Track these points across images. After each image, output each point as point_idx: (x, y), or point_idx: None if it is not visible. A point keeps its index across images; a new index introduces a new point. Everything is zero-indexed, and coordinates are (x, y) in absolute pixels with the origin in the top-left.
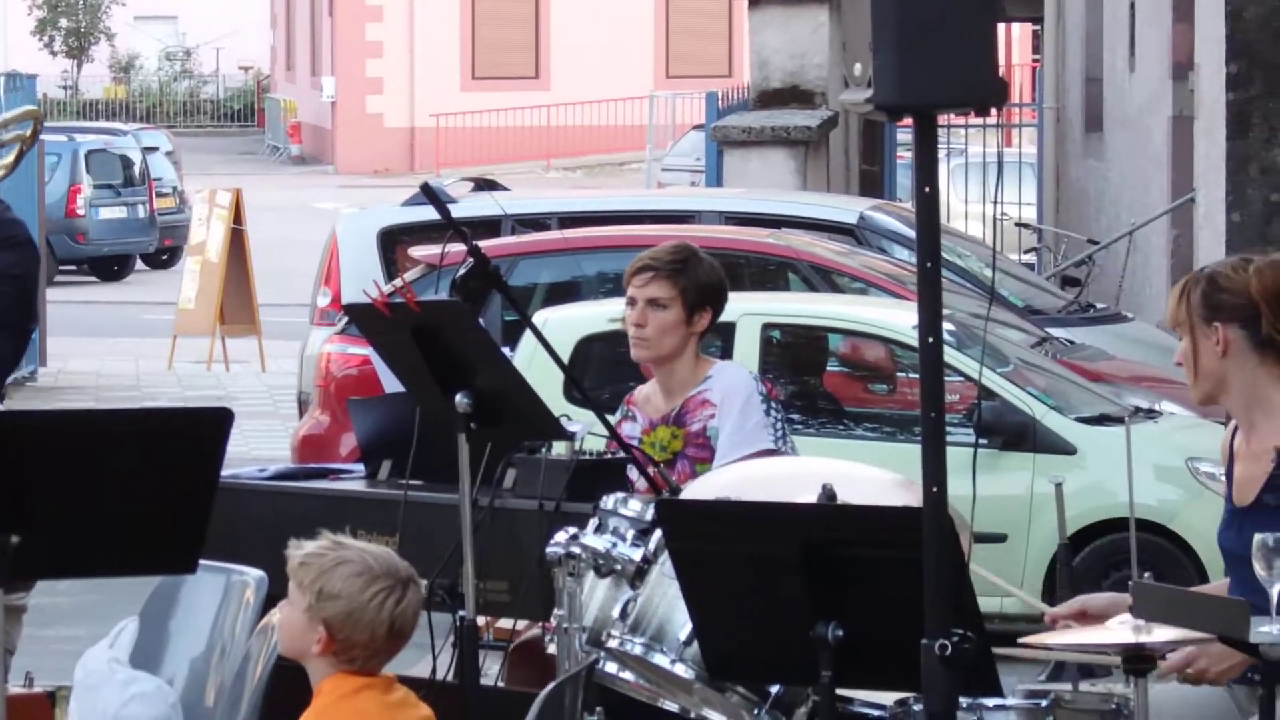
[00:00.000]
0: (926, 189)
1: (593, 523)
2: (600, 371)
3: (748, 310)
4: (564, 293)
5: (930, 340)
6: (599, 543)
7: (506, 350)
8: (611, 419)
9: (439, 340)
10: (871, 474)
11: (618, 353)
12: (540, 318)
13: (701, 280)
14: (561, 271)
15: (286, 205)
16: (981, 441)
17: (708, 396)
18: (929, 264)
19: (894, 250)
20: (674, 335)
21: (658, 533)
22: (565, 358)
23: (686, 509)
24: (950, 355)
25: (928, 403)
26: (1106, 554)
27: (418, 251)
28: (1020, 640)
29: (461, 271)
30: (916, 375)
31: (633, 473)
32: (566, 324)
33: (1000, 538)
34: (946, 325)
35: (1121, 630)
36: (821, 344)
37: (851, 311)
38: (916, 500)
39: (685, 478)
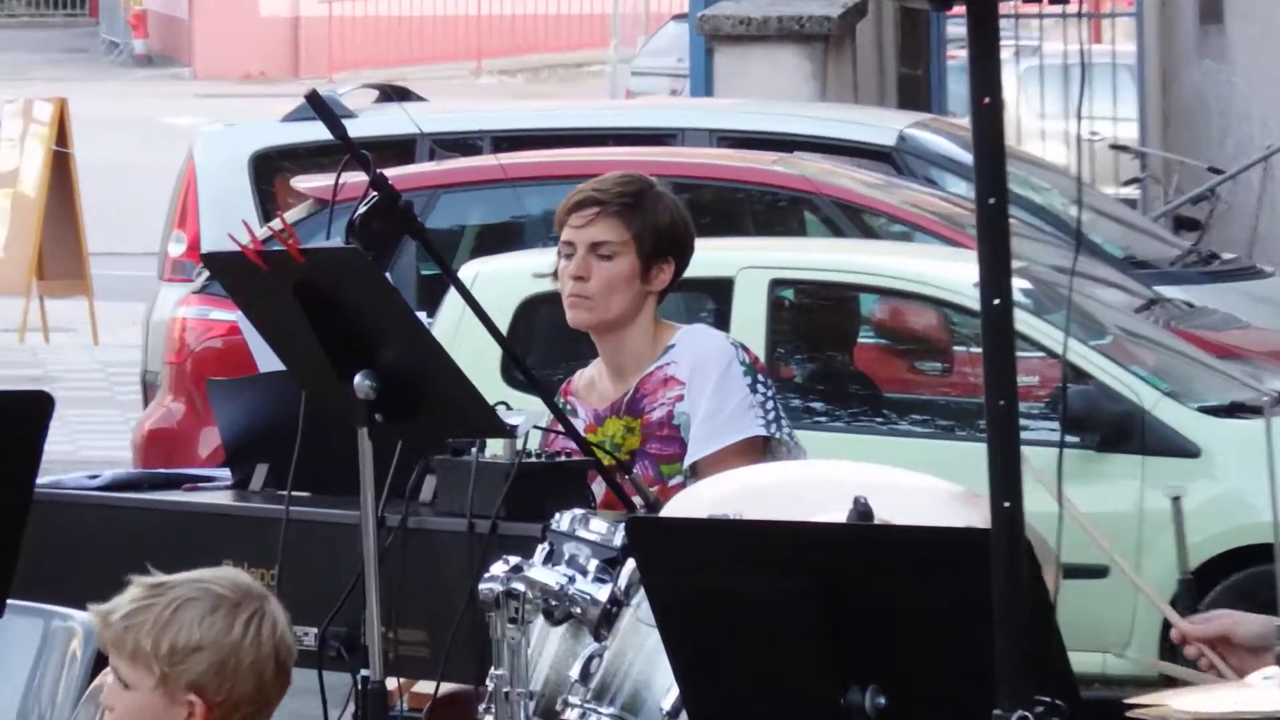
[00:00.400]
0: (987, 99)
1: (542, 549)
2: (550, 344)
3: (750, 262)
4: (500, 238)
5: (996, 303)
6: (551, 577)
7: (423, 315)
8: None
9: (332, 302)
10: (920, 484)
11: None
12: (469, 272)
13: (660, 221)
14: (497, 210)
15: (128, 120)
16: (1070, 440)
17: (671, 372)
18: (992, 200)
19: (945, 181)
20: (624, 293)
21: (630, 563)
22: (503, 325)
23: (669, 530)
24: (1025, 323)
25: (994, 387)
26: (1244, 592)
27: (303, 183)
28: (1128, 701)
29: (362, 210)
30: (979, 350)
31: (597, 482)
32: (504, 280)
33: (1100, 571)
34: (1019, 283)
35: (1272, 692)
36: (850, 308)
37: (890, 263)
38: (982, 520)
39: (649, 482)
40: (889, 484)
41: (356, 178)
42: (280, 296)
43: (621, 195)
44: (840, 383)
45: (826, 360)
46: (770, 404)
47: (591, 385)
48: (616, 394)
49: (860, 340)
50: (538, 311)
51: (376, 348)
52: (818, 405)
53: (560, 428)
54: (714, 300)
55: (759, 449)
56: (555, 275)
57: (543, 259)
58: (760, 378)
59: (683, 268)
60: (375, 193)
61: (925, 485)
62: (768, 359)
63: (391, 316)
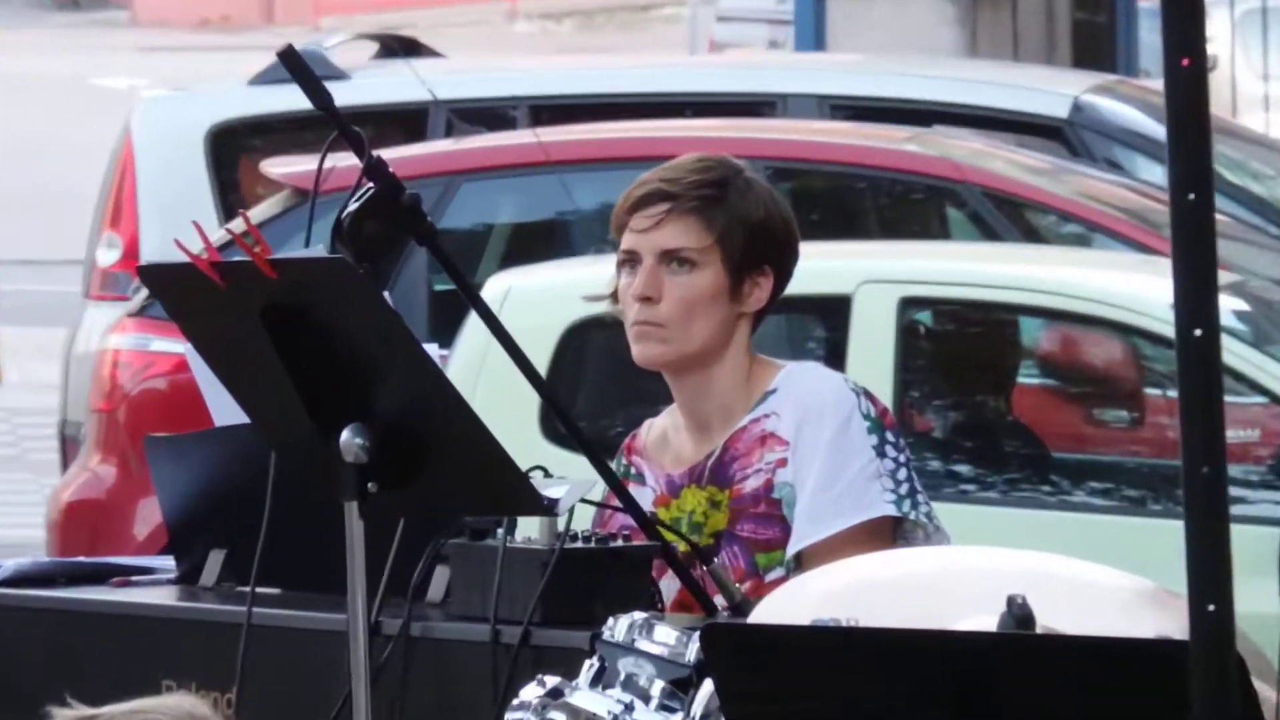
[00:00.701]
0: (1186, 59)
1: (589, 667)
2: (606, 386)
3: (873, 274)
4: (540, 242)
5: (1197, 333)
6: (601, 704)
7: (434, 348)
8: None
9: (311, 331)
10: (1097, 578)
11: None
12: (497, 288)
13: (753, 217)
14: (535, 204)
15: (46, 81)
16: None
17: (770, 427)
18: (1192, 194)
19: (1135, 165)
20: (708, 317)
21: (707, 686)
22: (542, 360)
23: (759, 641)
24: (1239, 357)
25: (1195, 446)
26: None
27: (275, 168)
28: None
29: (353, 205)
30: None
31: (667, 576)
32: (544, 299)
33: None
34: (1231, 303)
35: None
36: (1007, 336)
37: (1060, 276)
38: (1180, 628)
39: (737, 575)
40: (1055, 578)
41: (347, 161)
42: (243, 323)
43: (700, 185)
44: (993, 438)
45: (975, 408)
46: (903, 472)
47: (664, 442)
48: (698, 455)
49: (1021, 380)
50: (589, 341)
51: (371, 393)
52: (962, 469)
53: (616, 501)
54: (824, 326)
55: (887, 533)
56: (614, 295)
57: (596, 271)
58: (890, 436)
59: (784, 281)
60: (371, 182)
61: (1104, 580)
62: (895, 406)
63: (391, 350)
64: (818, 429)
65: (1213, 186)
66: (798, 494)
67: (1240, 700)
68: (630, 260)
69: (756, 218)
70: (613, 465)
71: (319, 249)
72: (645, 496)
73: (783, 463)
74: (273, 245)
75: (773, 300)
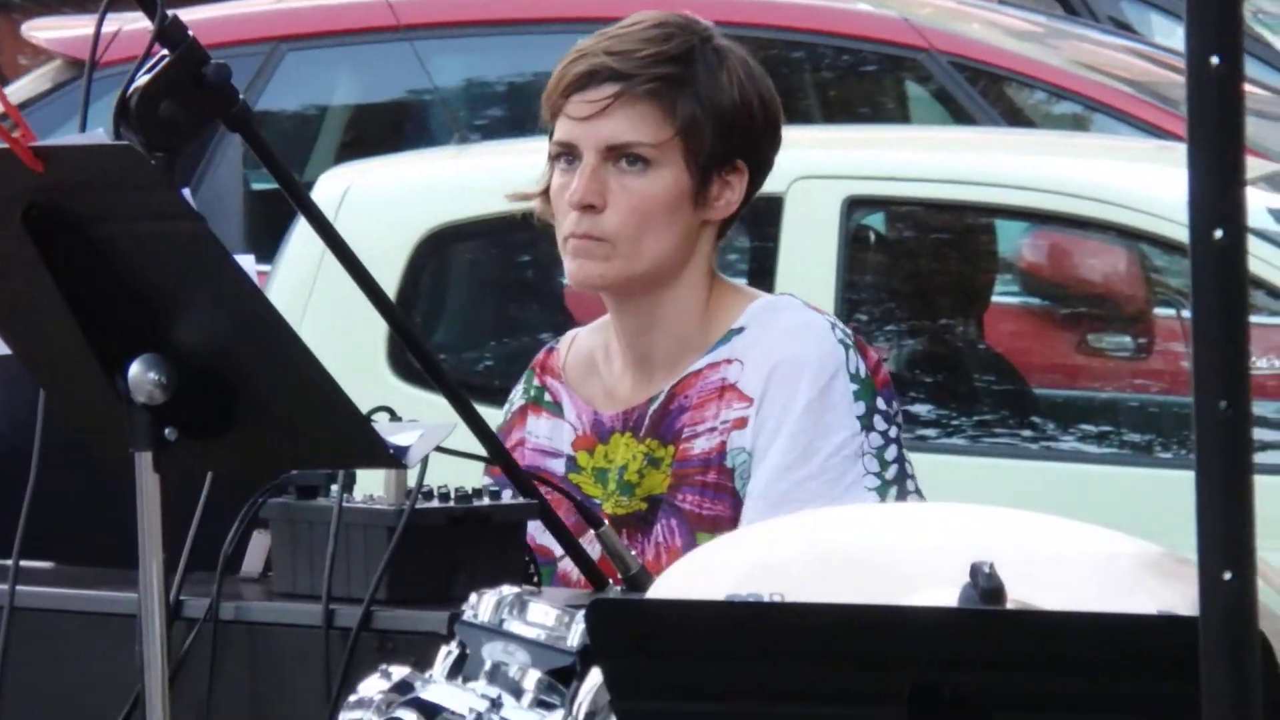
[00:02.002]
0: None
1: (447, 654)
2: (474, 308)
3: (812, 169)
4: (388, 128)
5: (1218, 235)
6: (461, 700)
7: (248, 261)
8: (493, 416)
9: (90, 240)
10: (1087, 541)
11: (519, 269)
12: (334, 186)
13: (725, 99)
14: (382, 79)
15: None
16: None
17: (731, 376)
18: (1216, 58)
19: (1150, 25)
20: (666, 229)
21: (593, 676)
22: (392, 276)
23: (660, 621)
24: (1272, 266)
25: (1212, 379)
26: None
27: (40, 30)
28: None
29: (143, 79)
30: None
31: (544, 539)
32: (394, 200)
33: None
34: (1263, 199)
35: None
36: (980, 245)
37: (1049, 169)
38: (1189, 599)
39: (671, 555)
40: (1032, 541)
41: (134, 22)
42: (2, 229)
43: (659, 60)
44: (962, 371)
45: (938, 334)
46: (892, 450)
47: (591, 367)
48: (636, 397)
49: (997, 300)
50: (451, 253)
51: (168, 318)
52: (923, 409)
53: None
54: (748, 234)
55: None
56: (544, 195)
57: (459, 166)
58: (881, 403)
59: (761, 177)
60: (165, 50)
61: (1094, 544)
62: None
63: (193, 264)
64: (790, 389)
65: (1242, 49)
66: (754, 466)
67: (1263, 690)
68: (566, 154)
69: (728, 101)
70: (519, 387)
71: (99, 134)
72: (563, 433)
73: (741, 423)
74: (40, 130)
75: (746, 203)
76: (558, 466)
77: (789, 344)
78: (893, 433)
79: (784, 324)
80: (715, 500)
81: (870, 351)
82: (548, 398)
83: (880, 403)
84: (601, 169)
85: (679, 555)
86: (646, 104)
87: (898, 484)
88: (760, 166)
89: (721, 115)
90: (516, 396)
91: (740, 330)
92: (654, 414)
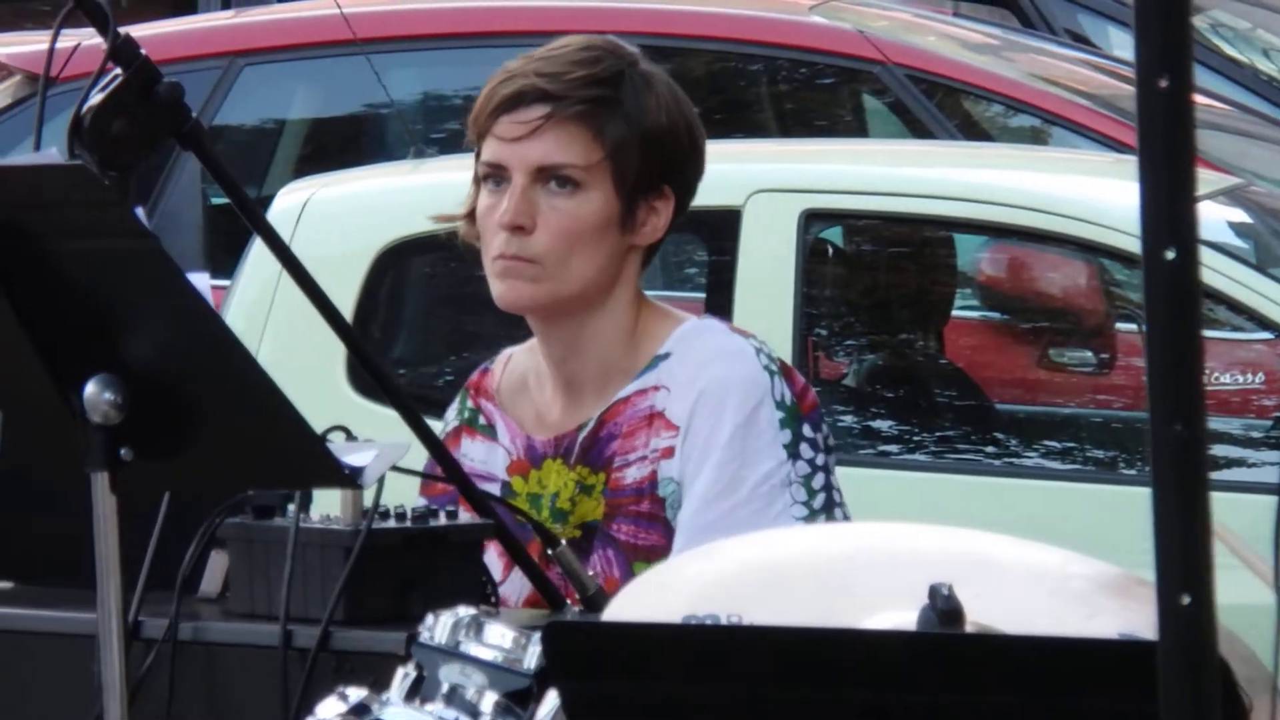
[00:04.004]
0: None
1: (404, 676)
2: (432, 324)
3: (768, 182)
4: (345, 142)
5: (1170, 256)
6: None
7: (202, 279)
8: (441, 427)
9: (45, 258)
10: (1046, 562)
11: (477, 283)
12: (290, 201)
13: (652, 123)
14: (339, 93)
15: None
16: None
17: (660, 404)
18: (1165, 80)
19: (1108, 37)
20: (592, 252)
21: (550, 699)
22: (350, 291)
23: (618, 642)
24: (1236, 283)
25: (1166, 399)
26: None
27: None
28: None
29: (96, 97)
30: None
31: (500, 557)
32: (352, 215)
33: None
34: (1228, 215)
35: None
36: (940, 259)
37: (1007, 183)
38: (1147, 621)
39: (610, 586)
40: (991, 562)
41: (92, 37)
42: None
43: (589, 82)
44: (921, 386)
45: (897, 349)
46: (820, 478)
47: (523, 390)
48: (566, 424)
49: (957, 314)
50: (409, 268)
51: (123, 338)
52: (882, 425)
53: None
54: (706, 247)
55: None
56: (470, 217)
57: (416, 181)
58: (807, 430)
59: (686, 203)
60: (118, 67)
61: (1053, 564)
62: (797, 348)
63: (147, 283)
64: (715, 419)
65: (1191, 70)
66: (684, 496)
67: (1222, 715)
68: (494, 175)
69: (657, 125)
70: (453, 407)
71: (52, 153)
72: (497, 457)
73: (669, 452)
74: None
75: (670, 229)
76: (493, 490)
77: (713, 371)
78: (820, 460)
79: (708, 350)
80: (649, 530)
81: (797, 376)
82: (481, 420)
83: (807, 429)
84: (531, 190)
85: (617, 586)
86: (576, 126)
87: (825, 512)
88: (685, 192)
89: (649, 138)
90: (451, 417)
91: (666, 356)
92: (584, 441)
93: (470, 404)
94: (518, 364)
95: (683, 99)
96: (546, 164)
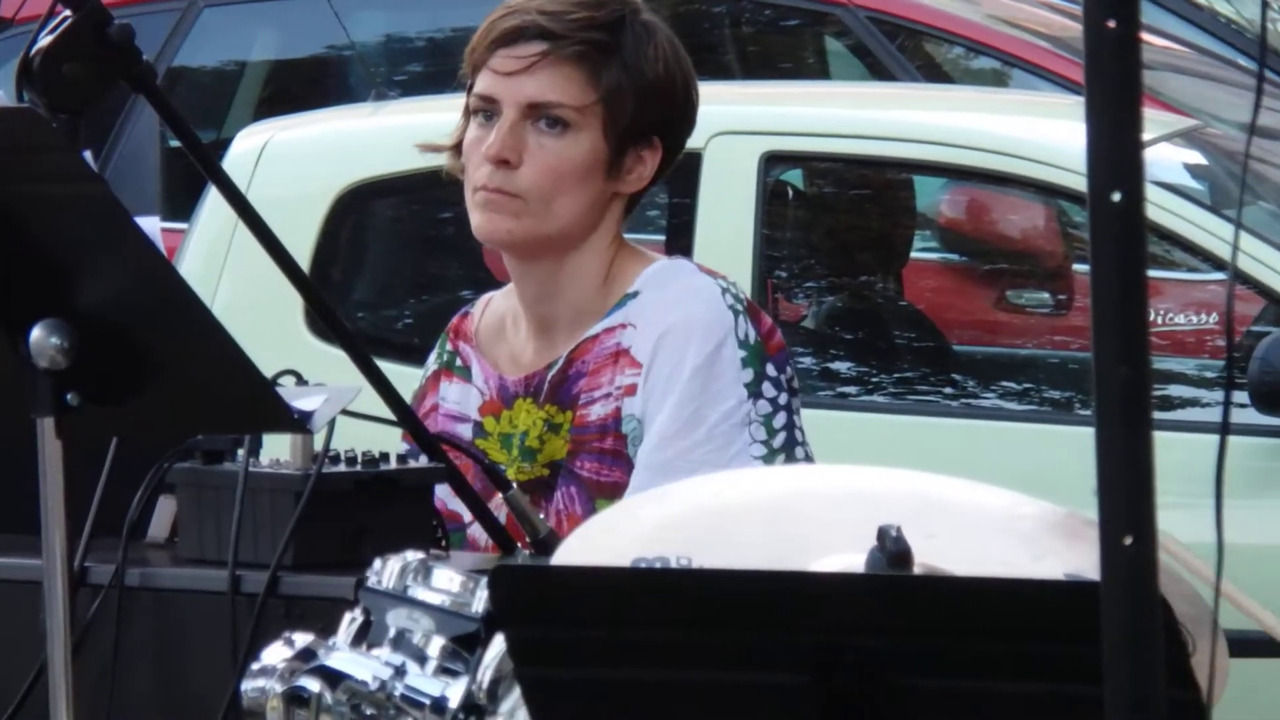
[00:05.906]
0: None
1: (351, 621)
2: (393, 267)
3: (728, 124)
4: (305, 84)
5: (1116, 198)
6: (365, 668)
7: (152, 223)
8: (412, 374)
9: None
10: (993, 503)
11: (437, 225)
12: (249, 144)
13: (648, 73)
14: (299, 35)
15: None
16: (1249, 423)
17: (625, 341)
18: (1113, 20)
19: None
20: (577, 193)
21: (497, 643)
22: (309, 234)
23: (565, 587)
24: (1190, 223)
25: (1109, 342)
26: None
27: None
28: None
29: (45, 40)
30: None
31: (453, 503)
32: (311, 157)
33: None
34: (1185, 156)
35: None
36: (899, 201)
37: (967, 125)
38: (1090, 562)
39: (572, 523)
40: (939, 503)
41: None
42: None
43: (589, 25)
44: (880, 327)
45: (857, 290)
46: (781, 417)
47: (500, 332)
48: (537, 363)
49: (916, 256)
50: (369, 212)
51: (70, 282)
52: (841, 366)
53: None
54: (666, 190)
55: None
56: (456, 148)
57: (377, 124)
58: (770, 369)
59: (673, 157)
60: (68, 9)
61: (1000, 505)
62: (757, 289)
63: (95, 227)
64: (678, 355)
65: (1139, 11)
66: (645, 432)
67: (1164, 656)
68: (485, 109)
69: (652, 75)
70: (434, 352)
71: (1, 97)
72: (470, 398)
73: (632, 390)
74: None
75: (655, 181)
76: (466, 431)
77: (678, 309)
78: (783, 400)
79: (675, 288)
80: (613, 467)
81: (764, 317)
82: (459, 362)
83: (770, 369)
84: (520, 126)
85: (579, 522)
86: (572, 66)
87: (785, 452)
88: (674, 145)
89: (645, 88)
90: (431, 361)
91: (635, 295)
92: (553, 379)
93: (449, 347)
94: (496, 307)
95: (682, 53)
96: (538, 101)
